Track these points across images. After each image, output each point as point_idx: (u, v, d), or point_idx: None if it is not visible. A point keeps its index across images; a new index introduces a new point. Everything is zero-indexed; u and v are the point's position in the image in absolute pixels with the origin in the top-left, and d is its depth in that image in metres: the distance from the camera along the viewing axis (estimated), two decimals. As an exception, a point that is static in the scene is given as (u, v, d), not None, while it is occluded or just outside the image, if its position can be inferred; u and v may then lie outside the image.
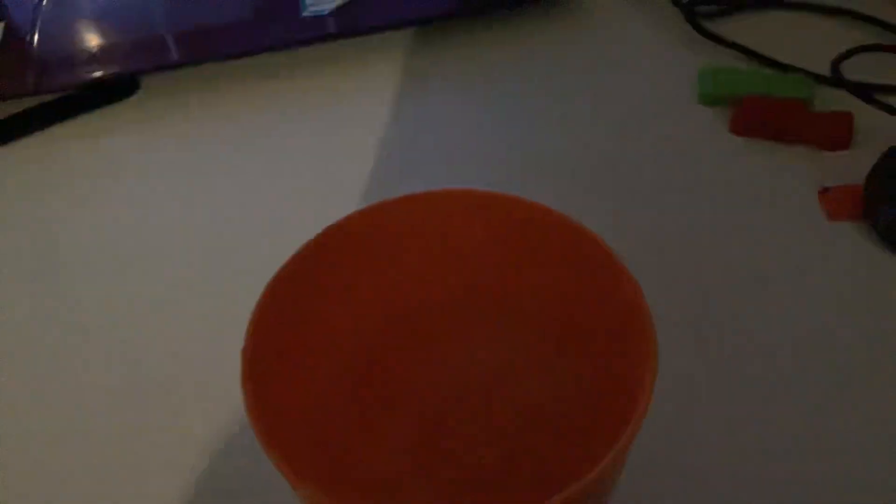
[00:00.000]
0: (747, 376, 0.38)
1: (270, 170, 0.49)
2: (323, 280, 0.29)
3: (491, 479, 0.30)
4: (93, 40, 0.55)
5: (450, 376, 0.33)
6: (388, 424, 0.32)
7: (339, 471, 0.26)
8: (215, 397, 0.39)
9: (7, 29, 0.56)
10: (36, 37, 0.55)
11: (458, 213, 0.29)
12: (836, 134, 0.47)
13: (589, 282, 0.28)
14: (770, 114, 0.49)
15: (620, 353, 0.26)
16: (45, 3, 0.57)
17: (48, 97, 0.54)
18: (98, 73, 0.53)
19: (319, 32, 0.54)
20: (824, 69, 0.52)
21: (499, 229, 0.30)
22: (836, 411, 0.36)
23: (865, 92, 0.49)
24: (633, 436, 0.22)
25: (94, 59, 0.54)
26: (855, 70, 0.52)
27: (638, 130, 0.50)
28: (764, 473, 0.34)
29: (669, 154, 0.48)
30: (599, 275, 0.27)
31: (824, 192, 0.45)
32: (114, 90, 0.54)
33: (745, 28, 0.56)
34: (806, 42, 0.54)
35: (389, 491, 0.25)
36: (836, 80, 0.51)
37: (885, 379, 0.37)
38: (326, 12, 0.55)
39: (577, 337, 0.29)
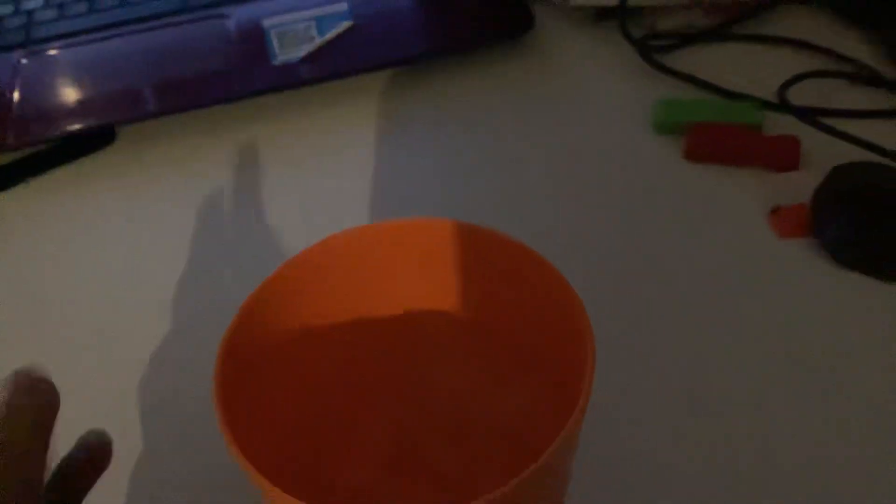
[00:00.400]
0: (704, 389, 0.39)
1: (246, 213, 0.51)
2: (296, 301, 0.30)
3: (459, 489, 0.32)
4: (70, 94, 0.57)
5: (421, 392, 0.34)
6: (360, 438, 0.33)
7: (313, 481, 0.28)
8: (195, 418, 0.40)
9: (-12, 87, 0.58)
10: (16, 93, 0.57)
11: (430, 241, 0.31)
12: (784, 156, 0.50)
13: (546, 307, 0.30)
14: (721, 139, 0.51)
15: (570, 373, 0.27)
16: (24, 60, 0.59)
17: (27, 151, 0.56)
18: (76, 126, 0.55)
19: (289, 80, 0.57)
20: (772, 96, 0.55)
21: (464, 256, 0.31)
22: (787, 421, 0.38)
23: (810, 116, 0.51)
24: (555, 453, 0.23)
25: (72, 112, 0.56)
26: (800, 96, 0.55)
27: (596, 160, 0.52)
28: (711, 483, 0.36)
29: (627, 181, 0.50)
30: (554, 300, 0.29)
31: (775, 211, 0.47)
32: (92, 141, 0.56)
33: (695, 60, 0.59)
34: (753, 71, 0.57)
35: (361, 499, 0.27)
36: (782, 105, 0.53)
37: (835, 387, 0.39)
38: (296, 60, 0.57)
39: (536, 357, 0.31)
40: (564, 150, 0.53)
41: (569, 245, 0.47)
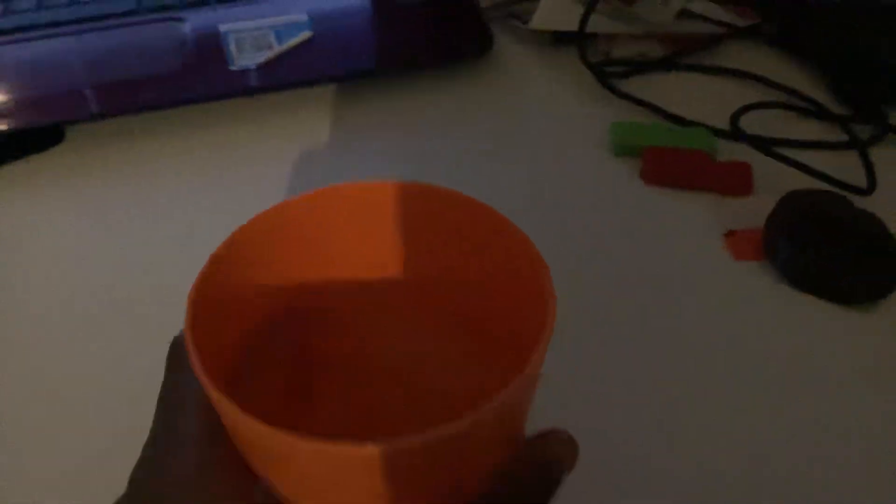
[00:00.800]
0: (659, 407, 0.40)
1: (195, 217, 0.50)
2: (252, 266, 0.29)
3: None
4: (14, 90, 0.55)
5: (378, 356, 0.33)
6: (314, 401, 0.32)
7: None
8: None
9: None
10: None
11: (378, 205, 0.30)
12: (737, 182, 0.51)
13: (511, 276, 0.29)
14: (676, 163, 0.52)
15: (529, 340, 0.27)
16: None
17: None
18: (19, 123, 0.53)
19: (245, 86, 0.56)
20: (722, 124, 0.56)
21: (417, 220, 0.31)
22: (732, 439, 0.39)
23: (762, 144, 0.53)
24: (498, 407, 0.22)
25: (16, 109, 0.54)
26: (751, 125, 0.56)
27: (554, 181, 0.53)
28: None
29: (585, 202, 0.51)
30: (515, 263, 0.28)
31: (729, 234, 0.48)
32: (38, 140, 0.54)
33: (649, 87, 0.60)
34: (704, 99, 0.59)
35: None
36: (734, 133, 0.55)
37: (786, 404, 0.40)
38: (253, 67, 0.56)
39: (502, 326, 0.31)
40: (523, 168, 0.53)
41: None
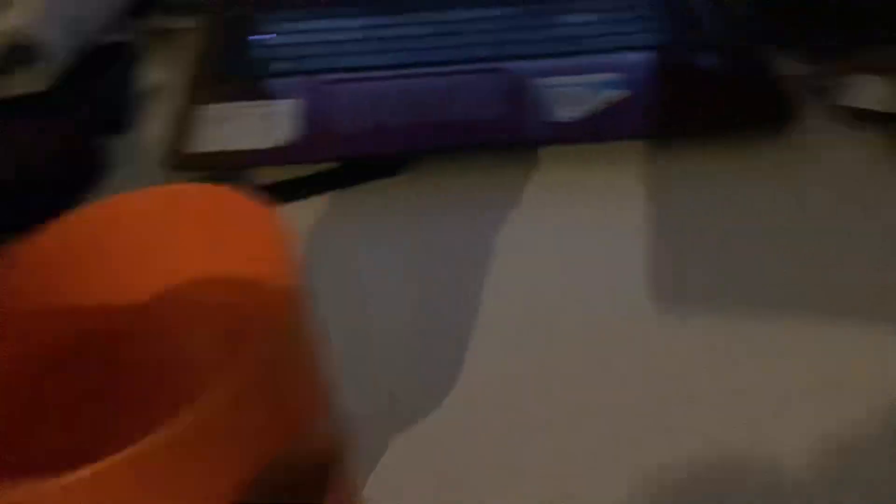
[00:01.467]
0: None
1: (525, 257, 0.56)
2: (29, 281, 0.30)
3: None
4: (359, 122, 0.63)
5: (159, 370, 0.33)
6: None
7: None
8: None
9: (303, 106, 0.65)
10: (326, 113, 0.64)
11: (158, 209, 0.32)
12: None
13: (262, 267, 0.30)
14: None
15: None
16: (324, 87, 0.67)
17: (324, 167, 0.63)
18: (368, 150, 0.61)
19: (564, 136, 0.62)
20: None
21: (191, 221, 0.32)
22: None
23: None
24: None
25: (365, 137, 0.62)
26: None
27: (849, 261, 0.54)
28: None
29: (884, 285, 0.52)
30: (271, 260, 0.29)
31: None
32: (381, 168, 0.62)
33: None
34: None
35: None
36: None
37: None
38: (570, 119, 0.62)
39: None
40: (825, 244, 0.55)
41: (816, 346, 0.49)
